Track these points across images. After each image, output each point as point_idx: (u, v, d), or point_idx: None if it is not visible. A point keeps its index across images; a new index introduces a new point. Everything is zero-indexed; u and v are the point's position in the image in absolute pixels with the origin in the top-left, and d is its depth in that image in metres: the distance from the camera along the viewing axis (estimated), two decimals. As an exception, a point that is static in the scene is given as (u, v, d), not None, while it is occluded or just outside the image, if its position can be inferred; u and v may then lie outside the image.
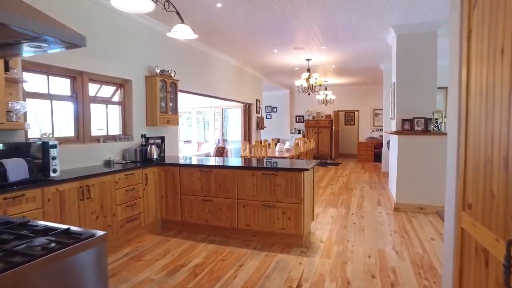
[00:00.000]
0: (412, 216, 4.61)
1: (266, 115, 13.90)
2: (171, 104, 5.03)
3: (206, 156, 8.20)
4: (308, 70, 7.41)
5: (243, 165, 3.84)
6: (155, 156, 4.33)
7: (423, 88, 5.03)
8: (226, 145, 9.69)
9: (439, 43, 4.94)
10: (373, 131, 12.37)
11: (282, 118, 13.54)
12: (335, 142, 12.63)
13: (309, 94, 7.58)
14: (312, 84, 7.35)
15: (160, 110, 4.72)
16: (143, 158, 4.27)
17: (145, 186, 3.88)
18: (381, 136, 11.86)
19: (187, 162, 4.30)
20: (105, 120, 4.24)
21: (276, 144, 8.24)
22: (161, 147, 4.71)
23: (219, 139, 9.68)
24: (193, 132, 10.62)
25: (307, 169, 3.37)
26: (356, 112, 13.78)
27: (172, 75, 5.01)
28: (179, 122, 5.15)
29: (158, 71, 4.72)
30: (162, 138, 5.05)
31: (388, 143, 7.30)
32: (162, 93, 4.83)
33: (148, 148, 4.31)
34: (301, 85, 7.40)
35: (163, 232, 4.04)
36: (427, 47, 4.96)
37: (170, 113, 4.94)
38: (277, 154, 6.73)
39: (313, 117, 12.91)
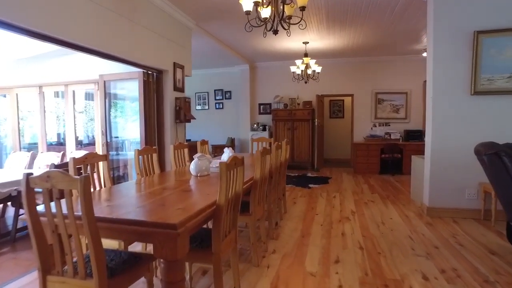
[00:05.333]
0: None
1: (216, 103, 9.34)
2: None
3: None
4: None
5: None
6: None
7: None
8: (120, 150, 4.99)
9: None
10: (375, 125, 8.17)
11: (239, 108, 9.03)
12: (319, 144, 8.29)
13: (269, 32, 3.10)
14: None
15: None
16: None
17: None
18: (388, 134, 7.68)
19: None
20: None
21: (215, 155, 3.56)
22: None
23: (106, 140, 4.97)
24: (69, 126, 5.82)
25: None
26: (347, 99, 9.57)
27: None
28: None
29: None
30: None
31: (487, 154, 2.91)
32: None
33: None
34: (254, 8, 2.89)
35: None
36: None
37: None
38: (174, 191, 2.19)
39: (285, 105, 8.50)
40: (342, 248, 3.05)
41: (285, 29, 3.09)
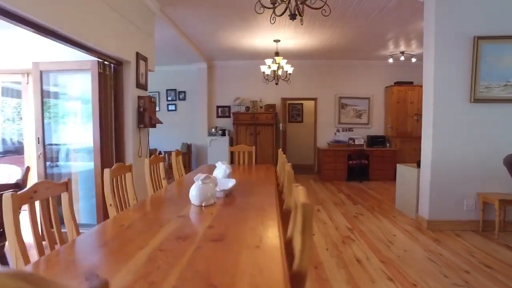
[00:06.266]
0: None
1: (168, 105, 8.32)
2: None
3: None
4: None
5: None
6: None
7: None
8: (57, 160, 3.82)
9: None
10: (338, 131, 8.02)
11: (194, 111, 8.16)
12: (283, 149, 7.85)
13: None
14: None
15: None
16: None
17: None
18: (352, 139, 7.58)
19: None
20: None
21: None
22: None
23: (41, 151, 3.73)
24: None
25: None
26: (306, 103, 9.36)
27: None
28: None
29: None
30: None
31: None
32: None
33: None
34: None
35: None
36: None
37: None
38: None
39: (247, 108, 7.88)
40: (370, 281, 2.54)
41: (300, 15, 2.49)
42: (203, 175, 2.00)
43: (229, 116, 8.19)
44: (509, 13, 3.59)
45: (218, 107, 8.27)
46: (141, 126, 3.73)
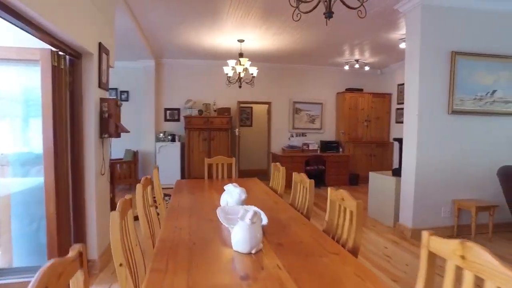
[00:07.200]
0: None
1: (106, 105, 7.14)
2: None
3: None
4: None
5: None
6: None
7: None
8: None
9: None
10: (292, 136, 7.94)
11: (140, 113, 7.23)
12: (238, 155, 7.45)
13: None
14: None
15: None
16: None
17: None
18: (306, 144, 7.61)
19: None
20: None
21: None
22: None
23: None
24: None
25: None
26: (256, 106, 9.12)
27: None
28: None
29: None
30: None
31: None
32: None
33: None
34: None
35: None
36: None
37: None
38: None
39: (200, 111, 7.26)
40: (398, 310, 2.35)
41: (330, 14, 2.16)
42: (249, 212, 1.53)
43: (178, 120, 7.47)
44: (483, 33, 3.84)
45: (166, 109, 7.46)
46: (105, 135, 2.97)
